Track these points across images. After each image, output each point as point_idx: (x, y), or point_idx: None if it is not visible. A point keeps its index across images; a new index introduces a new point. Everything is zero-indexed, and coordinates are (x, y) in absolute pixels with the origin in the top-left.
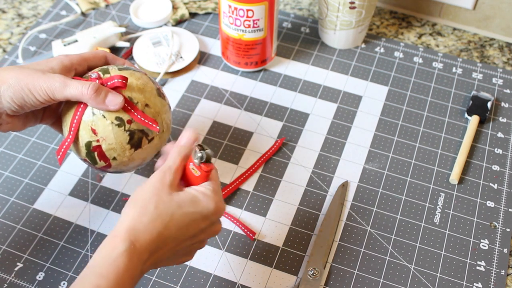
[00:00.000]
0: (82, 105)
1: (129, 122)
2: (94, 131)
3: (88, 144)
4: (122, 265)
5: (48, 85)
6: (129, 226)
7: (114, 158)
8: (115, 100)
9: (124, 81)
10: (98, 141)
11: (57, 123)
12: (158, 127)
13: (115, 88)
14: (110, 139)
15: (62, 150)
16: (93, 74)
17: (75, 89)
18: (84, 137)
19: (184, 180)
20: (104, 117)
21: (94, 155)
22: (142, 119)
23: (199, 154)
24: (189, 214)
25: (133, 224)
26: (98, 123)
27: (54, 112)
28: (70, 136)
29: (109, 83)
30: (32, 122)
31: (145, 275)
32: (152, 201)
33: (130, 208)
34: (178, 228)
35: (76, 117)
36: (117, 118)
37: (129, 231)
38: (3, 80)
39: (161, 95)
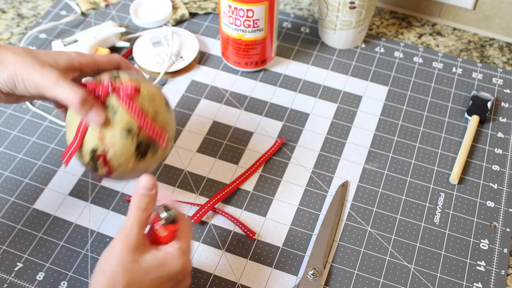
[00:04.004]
0: None
1: (138, 133)
2: (101, 138)
3: (94, 151)
4: None
5: (41, 81)
6: None
7: (117, 167)
8: (96, 117)
9: (136, 91)
10: (104, 149)
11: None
12: (164, 143)
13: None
14: (117, 148)
15: (68, 154)
16: (105, 80)
17: (64, 92)
18: (90, 143)
19: (150, 239)
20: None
21: (98, 162)
22: (152, 130)
23: (164, 215)
24: (157, 278)
25: None
26: (107, 131)
27: None
28: (77, 141)
29: (121, 92)
30: (28, 98)
31: None
32: (119, 272)
33: (100, 280)
34: None
35: (84, 122)
36: (127, 128)
37: None
38: (3, 61)
39: (169, 107)
